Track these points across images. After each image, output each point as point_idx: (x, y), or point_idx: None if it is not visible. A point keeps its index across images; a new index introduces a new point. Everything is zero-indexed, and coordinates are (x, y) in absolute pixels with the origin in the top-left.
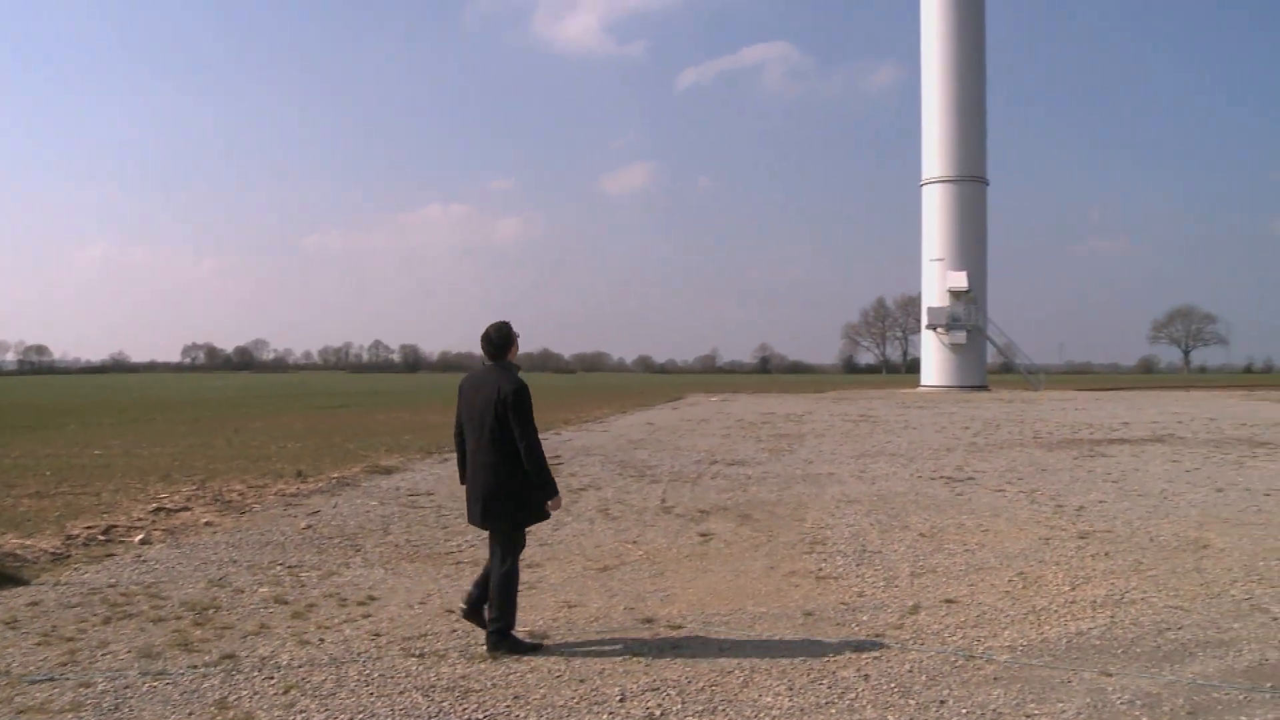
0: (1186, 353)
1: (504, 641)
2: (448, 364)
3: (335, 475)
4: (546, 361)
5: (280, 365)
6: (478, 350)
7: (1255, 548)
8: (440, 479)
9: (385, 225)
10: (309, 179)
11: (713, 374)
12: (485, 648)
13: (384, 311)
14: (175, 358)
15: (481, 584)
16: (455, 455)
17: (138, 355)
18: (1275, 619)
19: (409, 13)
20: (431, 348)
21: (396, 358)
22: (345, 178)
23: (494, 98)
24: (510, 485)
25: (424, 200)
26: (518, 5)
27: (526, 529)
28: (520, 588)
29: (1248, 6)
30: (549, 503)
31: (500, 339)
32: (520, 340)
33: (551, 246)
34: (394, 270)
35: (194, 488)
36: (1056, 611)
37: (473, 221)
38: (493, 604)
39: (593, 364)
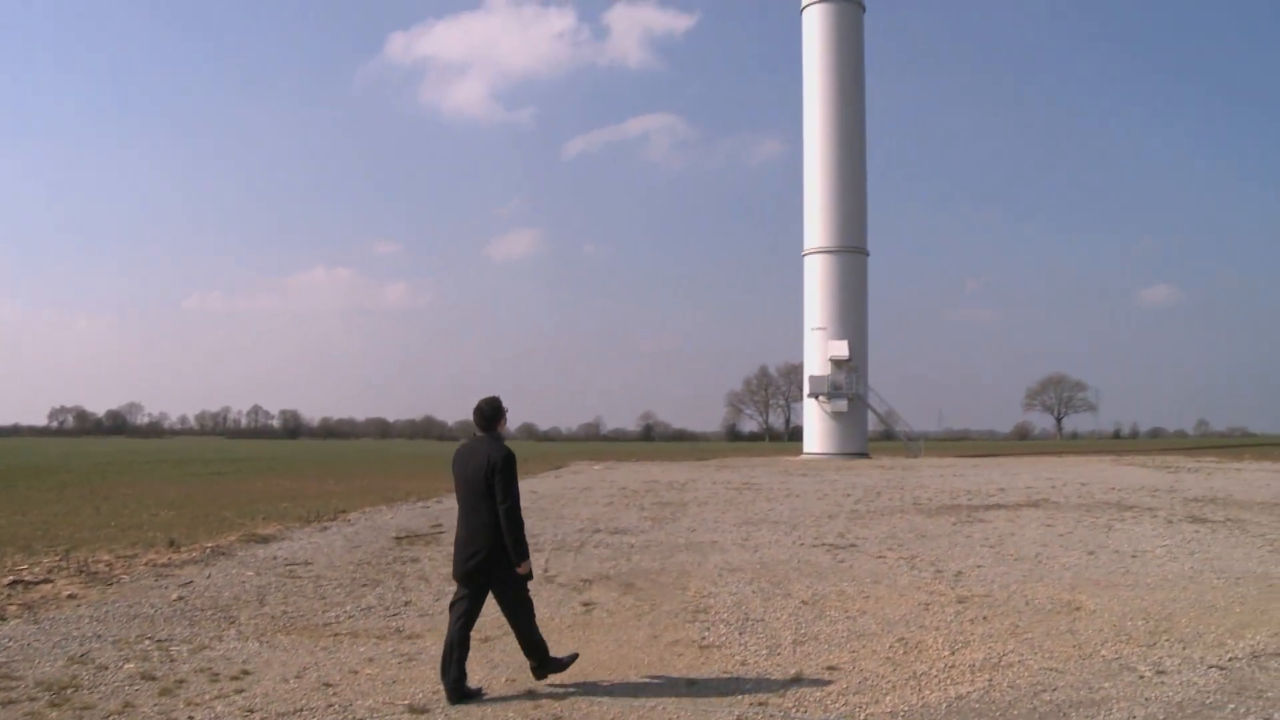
0: (1059, 419)
1: (547, 665)
2: (329, 430)
3: (210, 544)
4: (429, 429)
5: (155, 430)
6: (359, 416)
7: (1124, 609)
8: (319, 548)
9: (269, 288)
10: (190, 239)
11: (597, 441)
12: (534, 679)
13: (264, 376)
14: (42, 421)
15: (451, 657)
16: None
17: (0, 418)
18: (1143, 678)
19: (297, 76)
20: (313, 414)
21: (276, 424)
22: (228, 239)
23: (381, 162)
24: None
25: (308, 263)
26: (407, 71)
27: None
28: (398, 659)
29: (1115, 82)
30: (519, 566)
31: (491, 412)
32: (407, 407)
33: (437, 312)
34: (276, 334)
35: (57, 559)
36: (936, 676)
37: (358, 285)
38: (526, 648)
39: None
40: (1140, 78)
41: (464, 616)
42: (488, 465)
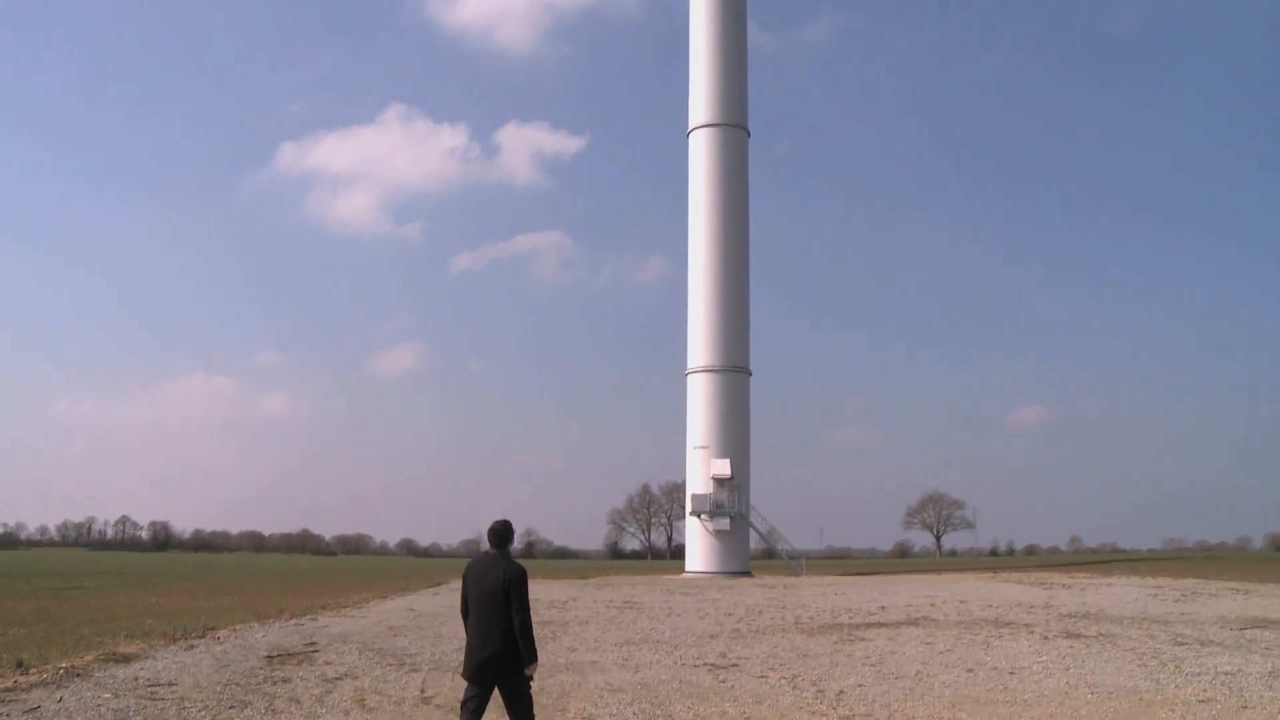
0: (938, 537)
1: None
2: (201, 543)
3: (64, 665)
4: (306, 543)
5: (11, 541)
6: (234, 529)
7: None
8: (185, 667)
9: (143, 395)
10: (63, 342)
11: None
12: None
13: (134, 485)
14: None
15: None
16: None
17: None
18: None
19: (183, 182)
20: (184, 525)
21: (145, 535)
22: (104, 344)
23: (266, 271)
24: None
25: (187, 371)
26: (295, 181)
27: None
28: None
29: (984, 212)
30: (528, 667)
31: (505, 533)
32: (283, 520)
33: (317, 424)
34: (149, 442)
35: None
36: None
37: (237, 395)
38: None
39: (354, 546)
40: (1008, 211)
41: (475, 713)
42: (504, 579)
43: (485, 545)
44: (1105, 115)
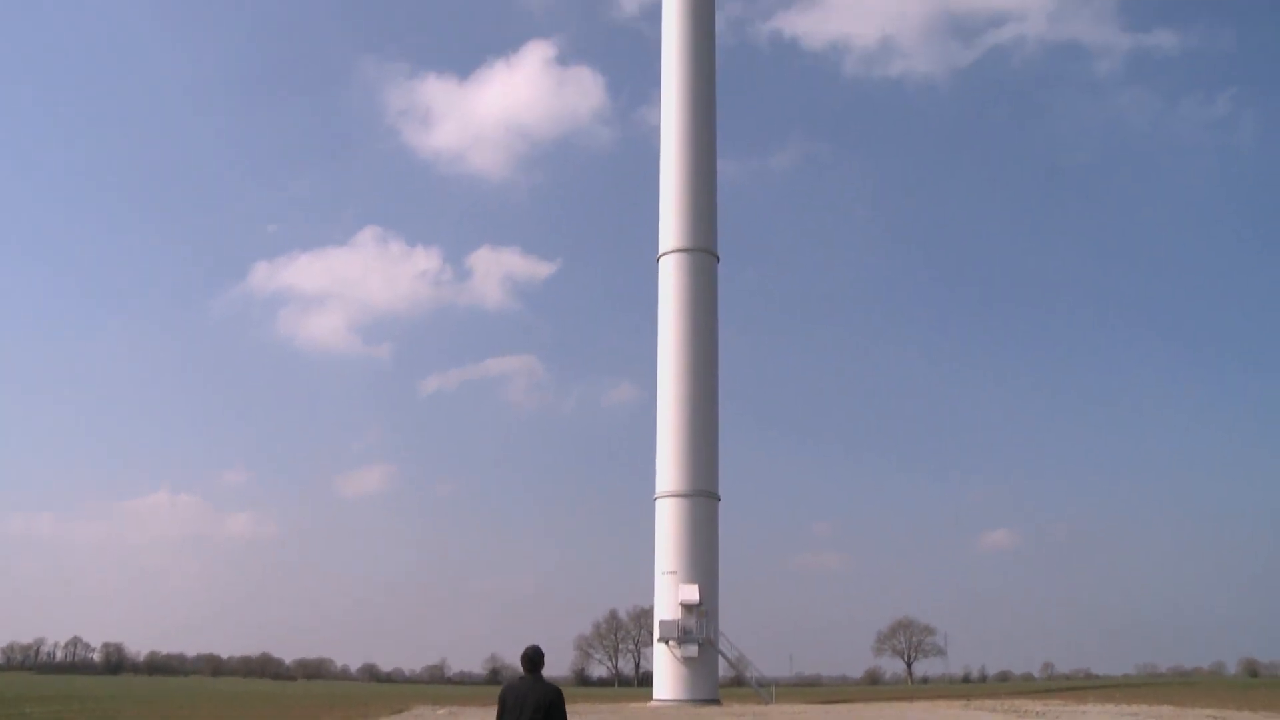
0: (909, 663)
1: None
2: (156, 666)
3: None
4: (265, 667)
5: None
6: (191, 651)
7: None
8: None
9: (104, 511)
10: (24, 459)
11: (441, 684)
12: None
13: (88, 605)
14: None
15: None
16: None
17: None
18: None
19: (155, 298)
20: (139, 647)
21: (97, 657)
22: (66, 459)
23: (234, 390)
24: None
25: (151, 488)
26: (266, 300)
27: None
28: None
29: (955, 336)
30: None
31: (537, 657)
32: (242, 643)
33: (281, 544)
34: (106, 560)
35: None
36: None
37: (201, 513)
38: None
39: (315, 670)
40: (974, 336)
41: None
42: (545, 700)
43: (449, 671)
44: (1066, 242)
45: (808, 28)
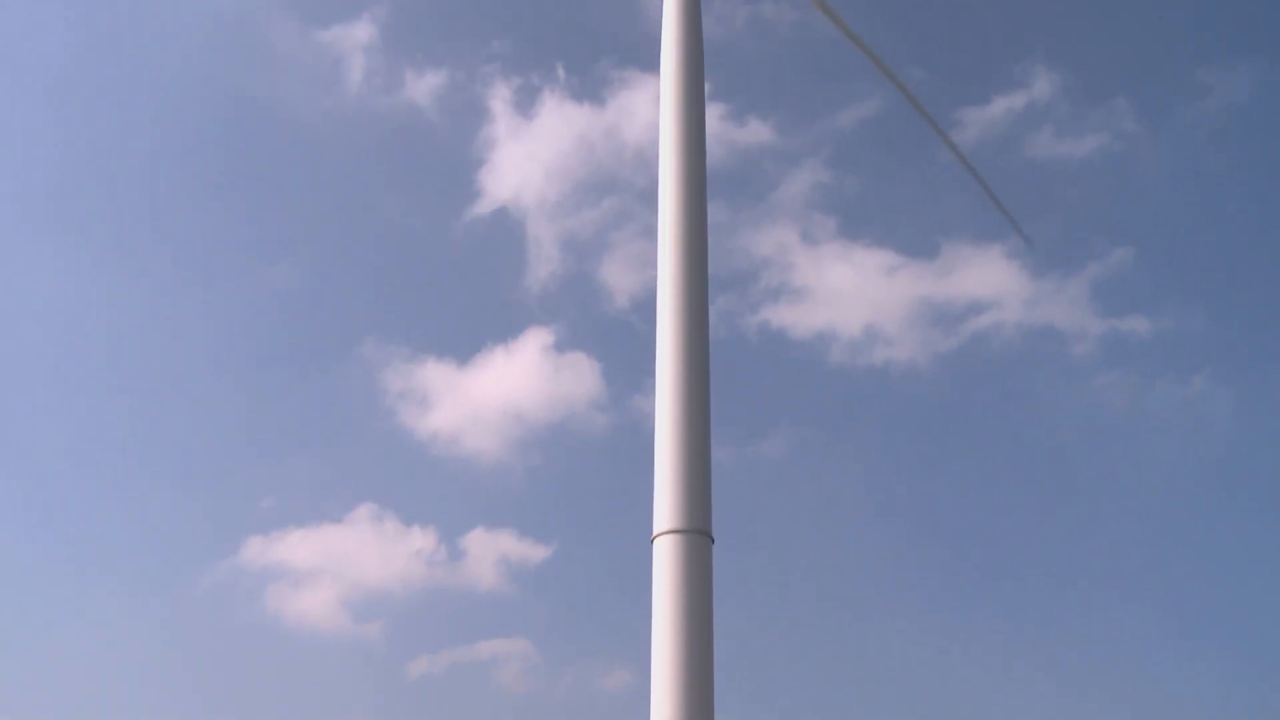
0: None
1: None
2: None
3: None
4: None
5: None
6: None
7: None
8: None
9: None
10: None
11: None
12: None
13: None
14: None
15: None
16: None
17: None
18: None
19: (140, 570)
20: None
21: None
22: None
23: (215, 669)
24: None
25: None
26: (256, 574)
27: None
28: None
29: (958, 615)
30: None
31: None
32: None
33: None
34: None
35: None
36: None
37: None
38: None
39: None
40: (968, 608)
41: None
42: None
43: None
44: (1053, 520)
45: (794, 319)
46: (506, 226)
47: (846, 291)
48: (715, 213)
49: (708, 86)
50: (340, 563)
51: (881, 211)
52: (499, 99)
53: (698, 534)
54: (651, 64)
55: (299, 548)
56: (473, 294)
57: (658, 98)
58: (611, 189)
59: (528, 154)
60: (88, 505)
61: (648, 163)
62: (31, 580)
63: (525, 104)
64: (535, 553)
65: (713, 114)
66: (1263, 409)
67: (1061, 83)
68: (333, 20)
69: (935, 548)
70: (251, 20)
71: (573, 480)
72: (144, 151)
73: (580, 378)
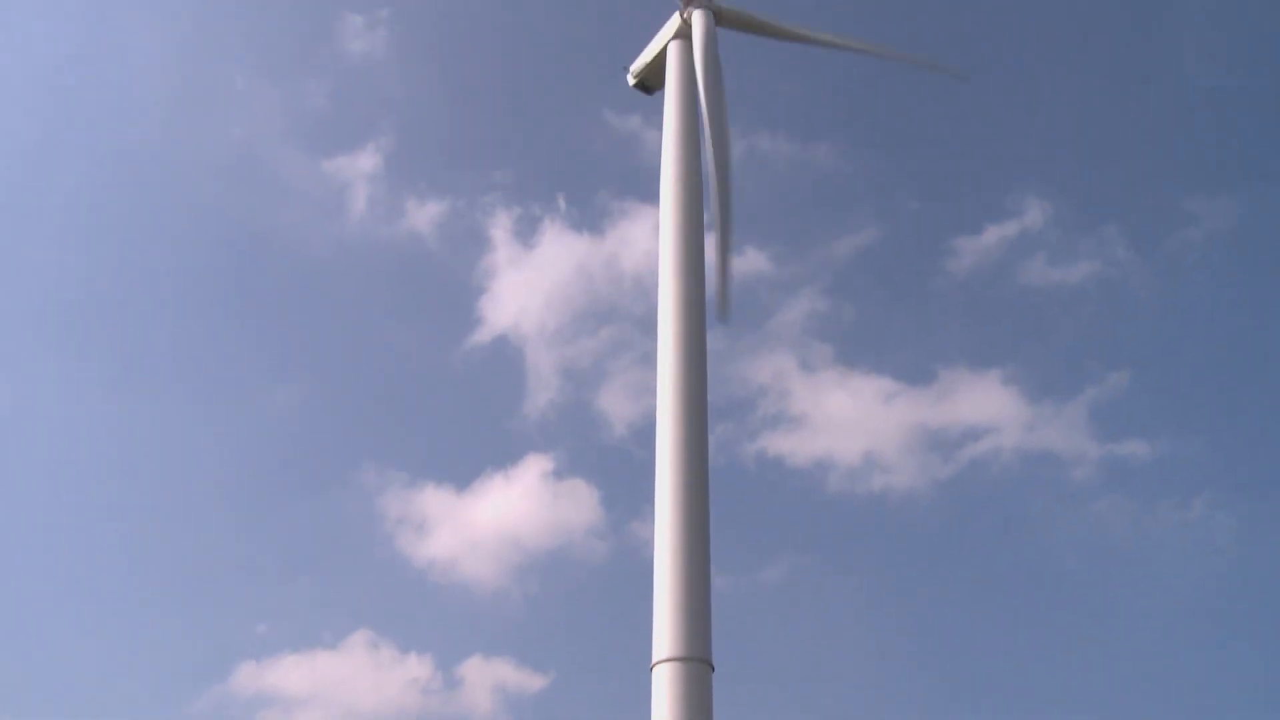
0: None
1: None
2: None
3: None
4: None
5: None
6: None
7: None
8: None
9: None
10: None
11: None
12: None
13: None
14: None
15: None
16: None
17: None
18: None
19: (129, 698)
20: None
21: None
22: None
23: None
24: None
25: None
26: (246, 700)
27: None
28: None
29: None
30: None
31: None
32: None
33: None
34: None
35: None
36: None
37: None
38: None
39: None
40: None
41: None
42: None
43: None
44: (1055, 645)
45: (792, 446)
46: (506, 354)
47: (844, 418)
48: (712, 341)
49: (705, 216)
50: (333, 690)
51: (878, 339)
52: (500, 228)
53: (698, 662)
54: (651, 195)
55: (291, 674)
56: (472, 421)
57: (657, 227)
58: (610, 317)
59: (528, 282)
60: (80, 627)
61: (646, 291)
62: (25, 702)
63: (526, 233)
64: (533, 681)
65: (710, 244)
66: (1266, 532)
67: (1053, 211)
68: (338, 150)
69: (935, 675)
70: (260, 149)
71: (571, 608)
72: (153, 275)
73: (579, 505)
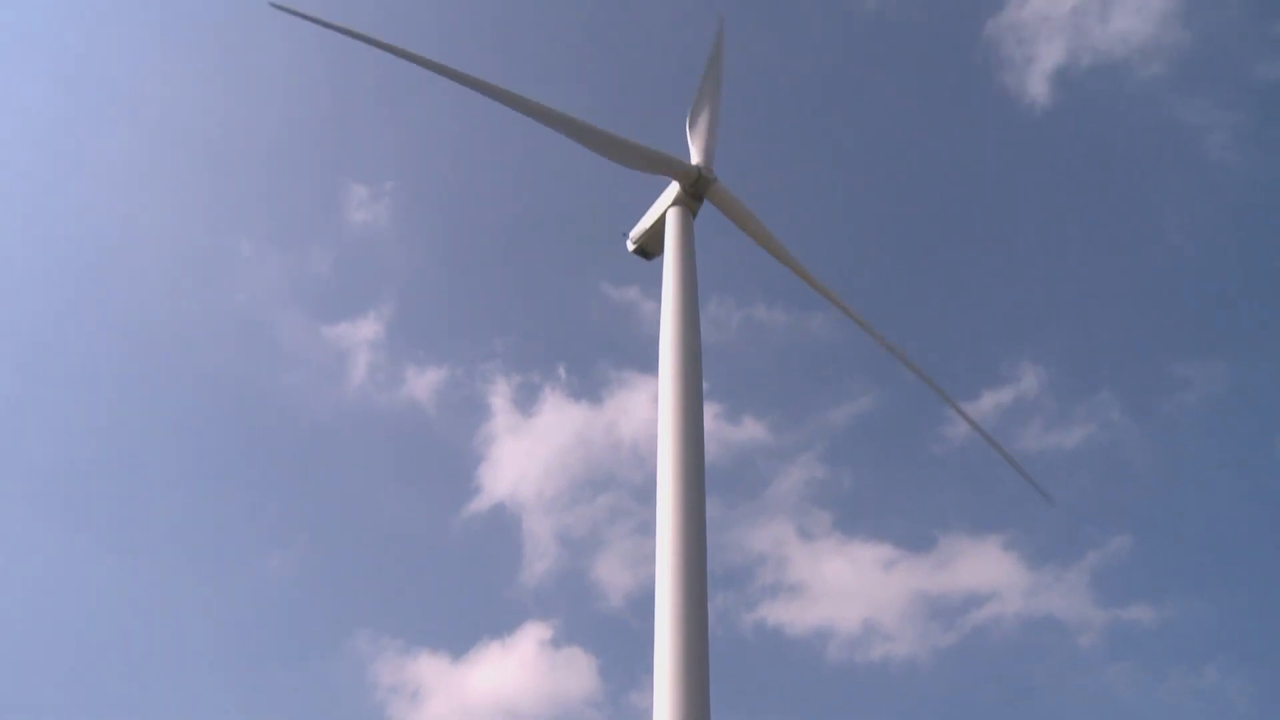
0: None
1: None
2: None
3: None
4: None
5: None
6: None
7: None
8: None
9: None
10: None
11: None
12: None
13: None
14: None
15: None
16: None
17: None
18: None
19: None
20: None
21: None
22: None
23: None
24: None
25: None
26: None
27: None
28: None
29: None
30: None
31: None
32: None
33: None
34: None
35: None
36: None
37: None
38: None
39: None
40: None
41: None
42: None
43: None
44: None
45: (791, 616)
46: (504, 522)
47: (843, 586)
48: (711, 509)
49: (704, 386)
50: None
51: (877, 506)
52: (499, 395)
53: None
54: (648, 365)
55: None
56: (469, 588)
57: (654, 397)
58: (607, 486)
59: (526, 450)
60: None
61: (643, 460)
62: None
63: (525, 401)
64: None
65: (708, 414)
66: None
67: (1047, 377)
68: (340, 316)
69: None
70: (263, 315)
71: None
72: (152, 437)
73: (577, 674)
